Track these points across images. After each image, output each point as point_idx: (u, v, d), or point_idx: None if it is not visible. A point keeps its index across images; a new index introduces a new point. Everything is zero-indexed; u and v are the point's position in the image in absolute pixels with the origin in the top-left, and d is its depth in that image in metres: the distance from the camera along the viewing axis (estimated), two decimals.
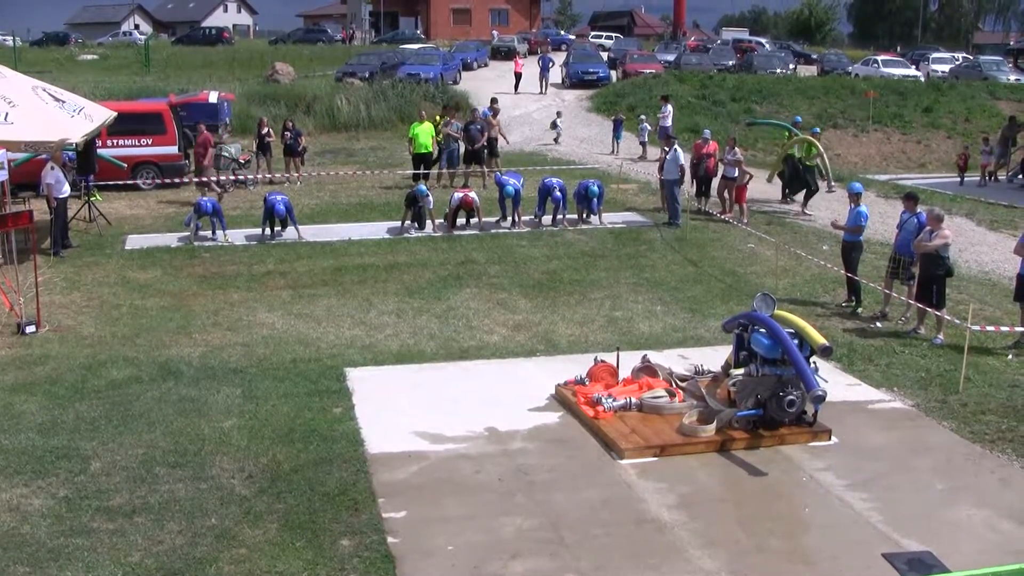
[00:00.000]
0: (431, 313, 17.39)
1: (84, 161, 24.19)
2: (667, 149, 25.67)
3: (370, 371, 14.50)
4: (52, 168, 21.38)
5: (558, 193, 23.70)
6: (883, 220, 24.14)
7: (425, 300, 18.14)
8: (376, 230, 23.57)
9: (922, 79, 54.28)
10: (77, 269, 20.10)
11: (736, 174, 25.39)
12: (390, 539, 9.72)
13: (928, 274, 16.10)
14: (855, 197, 18.10)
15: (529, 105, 46.13)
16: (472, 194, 23.97)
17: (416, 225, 23.55)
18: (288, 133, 29.93)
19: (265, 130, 30.08)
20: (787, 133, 29.17)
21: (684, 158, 25.17)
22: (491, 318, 17.20)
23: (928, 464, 11.77)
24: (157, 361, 14.82)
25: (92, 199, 23.99)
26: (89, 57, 66.57)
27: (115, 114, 23.36)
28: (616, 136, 37.12)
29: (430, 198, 23.38)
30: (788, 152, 27.26)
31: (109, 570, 9.12)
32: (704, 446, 11.92)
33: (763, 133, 40.40)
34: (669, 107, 36.18)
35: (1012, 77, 52.64)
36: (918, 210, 17.00)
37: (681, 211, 24.40)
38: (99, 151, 25.59)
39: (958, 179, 33.52)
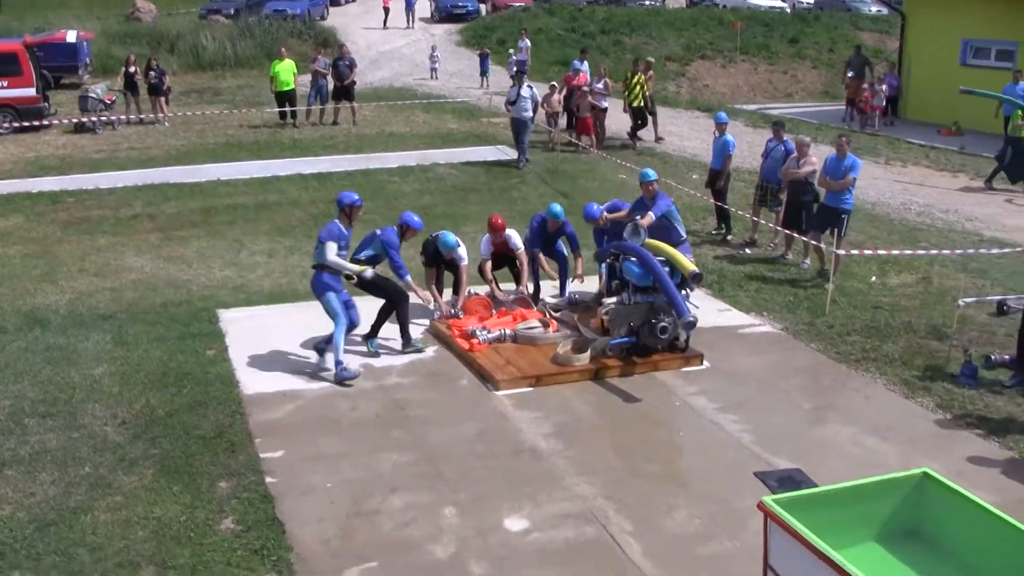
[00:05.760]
0: (303, 252, 17.16)
1: None
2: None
3: (242, 312, 14.31)
4: None
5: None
6: (750, 149, 24.51)
7: (296, 239, 17.91)
8: (245, 169, 23.13)
9: (788, 10, 55.04)
10: None
11: (605, 104, 25.54)
12: (268, 479, 9.67)
13: (796, 201, 16.45)
14: (721, 127, 18.39)
15: (397, 40, 45.62)
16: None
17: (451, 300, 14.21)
18: (152, 72, 29.24)
19: (132, 68, 29.27)
20: (1020, 112, 22.94)
21: (539, 95, 24.91)
22: None
23: (796, 385, 12.13)
24: (22, 310, 14.39)
25: None
26: None
27: None
28: (483, 71, 36.92)
29: (461, 251, 14.01)
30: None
31: None
32: (579, 375, 12.08)
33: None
34: (527, 41, 35.98)
35: (874, 8, 53.60)
36: (784, 138, 17.31)
37: (528, 150, 23.97)
38: None
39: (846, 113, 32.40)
